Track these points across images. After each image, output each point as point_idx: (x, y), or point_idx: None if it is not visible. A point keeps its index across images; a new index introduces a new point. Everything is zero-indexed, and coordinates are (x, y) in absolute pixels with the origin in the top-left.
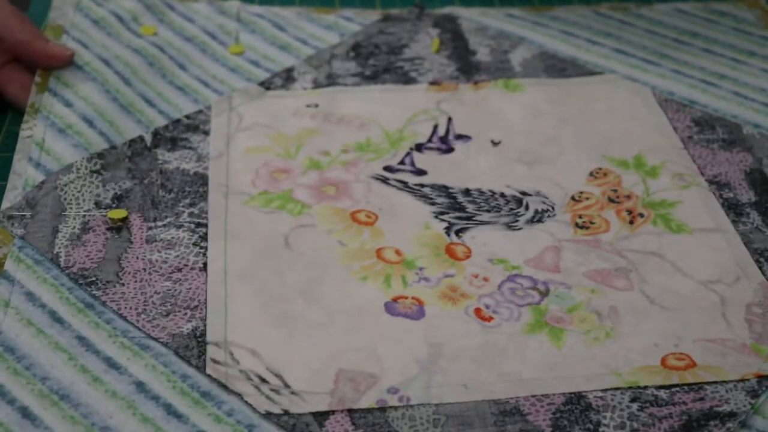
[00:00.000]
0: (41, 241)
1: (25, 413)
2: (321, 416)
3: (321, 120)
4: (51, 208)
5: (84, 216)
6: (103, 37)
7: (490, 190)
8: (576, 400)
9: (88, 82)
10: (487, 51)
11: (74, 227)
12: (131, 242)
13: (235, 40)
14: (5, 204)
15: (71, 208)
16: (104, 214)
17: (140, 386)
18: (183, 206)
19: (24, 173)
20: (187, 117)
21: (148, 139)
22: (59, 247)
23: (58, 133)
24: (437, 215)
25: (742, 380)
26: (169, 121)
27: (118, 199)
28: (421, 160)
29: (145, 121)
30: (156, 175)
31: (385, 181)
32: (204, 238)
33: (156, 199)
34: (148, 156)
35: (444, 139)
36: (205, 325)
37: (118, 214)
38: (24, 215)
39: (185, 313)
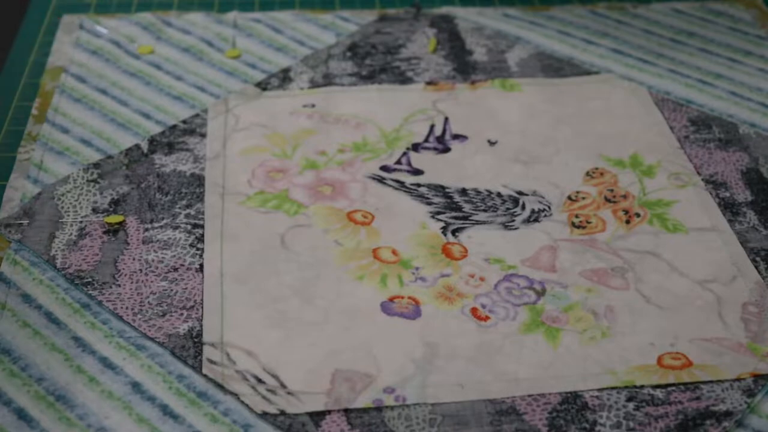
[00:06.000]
0: (37, 245)
1: (21, 415)
2: (317, 416)
3: (318, 120)
4: (48, 215)
5: (81, 222)
6: (101, 66)
7: (487, 190)
8: (572, 400)
9: (85, 111)
10: (484, 51)
11: (71, 234)
12: (128, 243)
13: (232, 45)
14: (2, 214)
15: (68, 216)
16: (101, 218)
17: (136, 387)
18: (179, 207)
19: (21, 187)
20: (184, 122)
21: (145, 146)
22: (56, 251)
23: (56, 155)
24: (434, 215)
25: (738, 379)
26: (166, 128)
27: (116, 204)
28: (417, 159)
29: (142, 133)
30: (153, 179)
31: (381, 180)
32: (200, 239)
33: (153, 201)
34: (145, 162)
35: (441, 139)
36: (201, 326)
37: (115, 219)
38: (21, 223)
39: (181, 314)
